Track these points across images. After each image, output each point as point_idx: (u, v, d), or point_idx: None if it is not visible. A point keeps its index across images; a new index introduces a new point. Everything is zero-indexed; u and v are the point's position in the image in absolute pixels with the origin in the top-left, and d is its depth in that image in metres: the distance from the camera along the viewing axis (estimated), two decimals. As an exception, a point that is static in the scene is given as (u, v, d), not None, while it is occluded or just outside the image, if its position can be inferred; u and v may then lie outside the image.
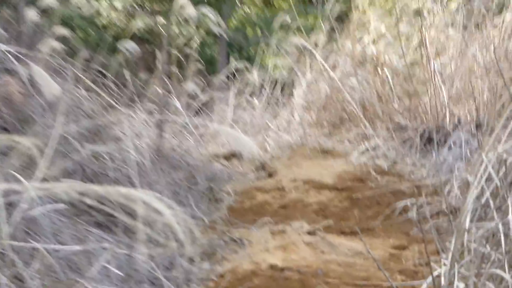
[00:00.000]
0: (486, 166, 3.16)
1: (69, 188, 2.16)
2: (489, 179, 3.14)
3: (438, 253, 3.71)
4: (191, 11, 8.13)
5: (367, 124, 7.73)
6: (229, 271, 4.48)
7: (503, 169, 3.16)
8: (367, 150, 7.01)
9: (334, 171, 6.56)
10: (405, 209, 5.45)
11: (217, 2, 8.36)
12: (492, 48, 7.39)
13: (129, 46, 7.41)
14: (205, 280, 4.37)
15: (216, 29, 8.11)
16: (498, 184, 3.13)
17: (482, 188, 3.13)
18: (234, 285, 4.22)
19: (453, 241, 3.11)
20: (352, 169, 6.64)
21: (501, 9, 8.36)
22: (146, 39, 10.72)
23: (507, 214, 3.02)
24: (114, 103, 5.86)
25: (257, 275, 4.35)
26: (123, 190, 2.14)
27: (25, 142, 2.87)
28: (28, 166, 2.92)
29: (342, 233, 5.29)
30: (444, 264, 3.12)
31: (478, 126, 6.37)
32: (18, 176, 2.80)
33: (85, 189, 2.17)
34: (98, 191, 2.21)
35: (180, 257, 4.40)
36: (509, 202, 3.05)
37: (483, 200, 3.12)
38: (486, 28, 8.14)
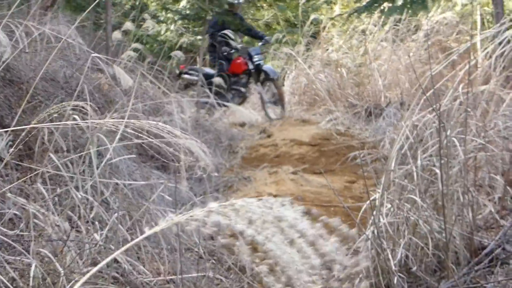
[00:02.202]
0: (405, 130, 3.14)
1: (133, 123, 2.01)
2: (407, 137, 3.11)
3: (375, 185, 3.69)
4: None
5: (331, 103, 7.67)
6: (241, 197, 4.45)
7: (415, 131, 3.13)
8: (331, 120, 6.95)
9: (309, 133, 6.50)
10: (354, 158, 5.42)
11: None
12: (411, 54, 7.34)
13: (178, 54, 7.34)
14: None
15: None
16: (412, 141, 3.11)
17: (403, 143, 3.11)
18: (244, 207, 4.20)
19: (384, 177, 3.08)
20: (321, 132, 6.58)
21: (416, 29, 8.28)
22: (190, 49, 10.62)
23: (418, 160, 3.01)
24: (167, 91, 5.80)
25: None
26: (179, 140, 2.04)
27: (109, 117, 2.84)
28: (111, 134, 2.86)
29: (314, 173, 5.26)
30: (378, 192, 3.10)
31: (402, 104, 6.31)
32: (105, 139, 2.76)
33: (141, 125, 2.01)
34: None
35: (210, 188, 4.38)
36: (418, 152, 3.04)
37: (403, 151, 3.09)
38: (407, 41, 8.07)
